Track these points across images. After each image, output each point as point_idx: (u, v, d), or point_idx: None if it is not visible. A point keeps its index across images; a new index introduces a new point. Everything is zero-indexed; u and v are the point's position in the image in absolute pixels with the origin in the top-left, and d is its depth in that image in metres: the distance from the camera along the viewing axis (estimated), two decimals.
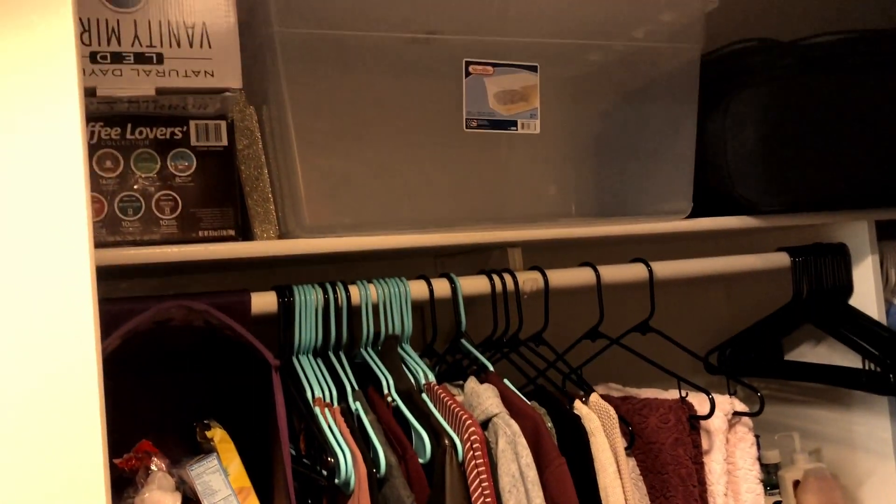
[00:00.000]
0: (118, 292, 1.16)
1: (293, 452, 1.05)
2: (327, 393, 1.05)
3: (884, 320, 1.38)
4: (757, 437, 1.23)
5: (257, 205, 1.08)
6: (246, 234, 1.09)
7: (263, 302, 1.06)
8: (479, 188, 1.17)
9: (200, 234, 1.02)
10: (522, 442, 1.02)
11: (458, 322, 1.18)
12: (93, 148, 0.96)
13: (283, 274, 1.28)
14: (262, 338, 1.02)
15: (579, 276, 1.25)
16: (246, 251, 1.04)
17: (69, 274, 0.67)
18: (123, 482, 1.08)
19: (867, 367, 1.33)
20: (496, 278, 1.19)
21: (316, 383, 1.06)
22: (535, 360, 1.24)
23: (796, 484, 1.39)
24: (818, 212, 1.36)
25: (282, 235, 1.10)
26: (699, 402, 1.18)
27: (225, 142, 1.03)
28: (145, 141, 0.99)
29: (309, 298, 1.08)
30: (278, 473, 1.04)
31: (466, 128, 1.12)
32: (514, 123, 1.15)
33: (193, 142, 1.01)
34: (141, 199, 0.98)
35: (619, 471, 1.07)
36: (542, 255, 1.27)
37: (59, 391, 0.67)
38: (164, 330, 1.07)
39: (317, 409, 1.02)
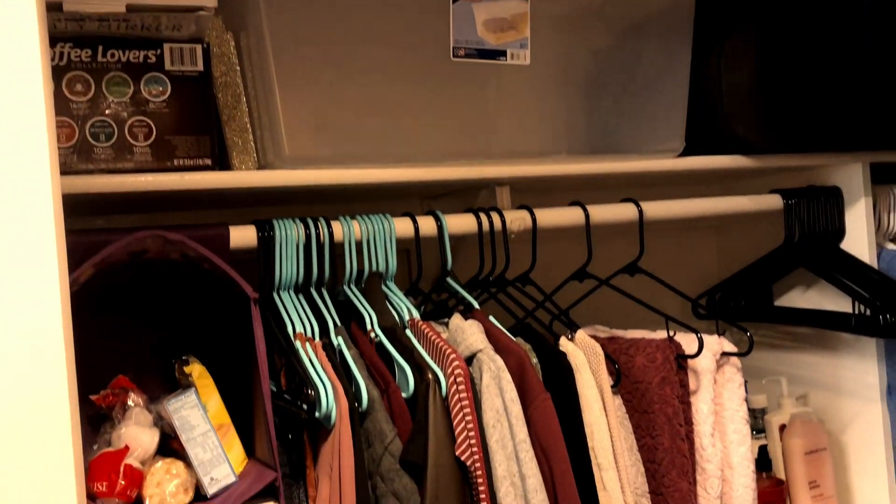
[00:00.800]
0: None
1: (274, 388, 1.03)
2: (309, 328, 1.03)
3: (875, 264, 1.36)
4: (745, 382, 1.22)
5: (235, 135, 1.04)
6: (224, 165, 1.05)
7: (242, 236, 1.03)
8: (466, 122, 1.13)
9: (176, 162, 0.98)
10: (507, 377, 1.00)
11: (444, 261, 1.16)
12: (62, 70, 0.92)
13: (265, 213, 1.24)
14: (243, 278, 1.00)
15: (568, 215, 1.22)
16: (223, 181, 1.01)
17: (30, 201, 0.62)
18: (100, 418, 1.06)
19: (857, 311, 1.32)
20: (483, 216, 1.17)
21: (297, 318, 1.03)
22: (523, 300, 1.22)
23: (782, 428, 1.39)
24: (812, 153, 1.34)
25: (261, 167, 1.07)
26: (687, 343, 1.16)
27: (200, 67, 0.98)
28: (117, 64, 0.95)
29: (290, 233, 1.05)
30: (258, 409, 1.02)
31: (454, 57, 1.08)
32: (504, 53, 1.11)
33: (168, 66, 0.97)
34: (113, 125, 0.95)
35: (604, 408, 1.05)
36: (530, 197, 1.24)
37: (21, 326, 0.62)
38: (141, 263, 1.05)
39: (297, 344, 0.99)
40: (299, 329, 1.02)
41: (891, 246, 1.39)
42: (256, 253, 1.04)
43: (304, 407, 0.94)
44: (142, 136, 0.96)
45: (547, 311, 1.22)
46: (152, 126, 0.97)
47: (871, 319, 1.28)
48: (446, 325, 1.11)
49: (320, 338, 1.03)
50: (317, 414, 0.93)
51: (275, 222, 1.04)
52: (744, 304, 1.47)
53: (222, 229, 1.02)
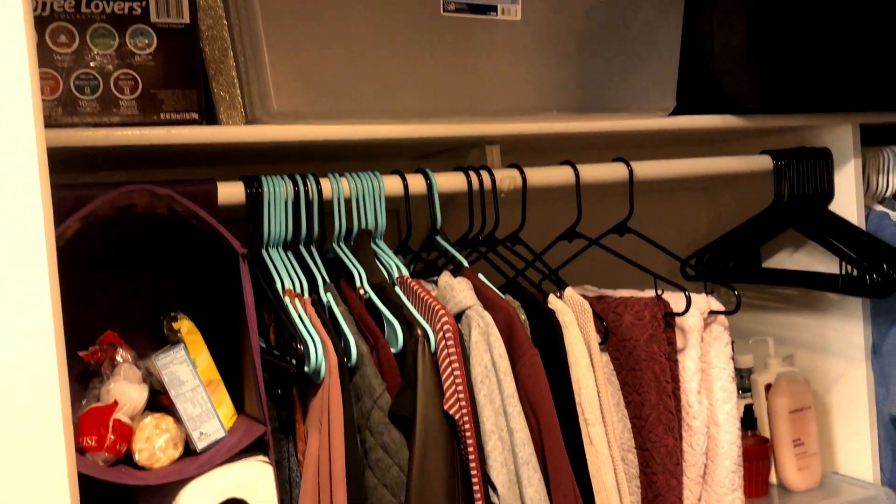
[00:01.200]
0: None
1: (263, 345, 1.03)
2: (297, 284, 1.03)
3: (863, 226, 1.37)
4: (732, 342, 1.23)
5: (222, 89, 1.03)
6: (211, 120, 1.04)
7: (230, 192, 1.02)
8: (456, 78, 1.12)
9: (162, 116, 0.97)
10: (496, 333, 1.01)
11: (434, 219, 1.16)
12: (45, 20, 0.91)
13: (253, 172, 1.24)
14: (232, 235, 0.99)
15: (558, 174, 1.22)
16: (210, 136, 1.00)
17: (14, 154, 0.61)
18: (89, 375, 1.06)
19: (844, 271, 1.33)
20: (473, 175, 1.16)
21: (286, 275, 1.03)
22: (513, 259, 1.22)
23: (768, 387, 1.40)
24: (803, 113, 1.33)
25: (248, 122, 1.06)
26: (675, 301, 1.17)
27: (187, 19, 0.97)
28: (102, 15, 0.93)
29: (278, 190, 1.04)
30: (247, 366, 1.02)
31: (444, 11, 1.07)
32: (494, 8, 1.10)
33: (153, 18, 0.95)
34: (98, 78, 0.93)
35: (592, 364, 1.06)
36: (520, 157, 1.24)
37: (6, 281, 0.62)
38: (129, 219, 1.04)
39: (286, 300, 0.99)
40: (288, 285, 1.02)
41: (879, 207, 1.39)
42: (245, 209, 1.04)
43: (293, 362, 0.94)
44: (128, 90, 0.95)
45: (537, 271, 1.22)
46: (138, 79, 0.95)
47: (858, 279, 1.29)
48: (436, 283, 1.11)
49: (309, 294, 1.03)
50: (306, 368, 0.94)
51: (263, 178, 1.04)
52: (732, 266, 1.47)
53: (210, 185, 1.02)
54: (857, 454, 1.41)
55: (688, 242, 1.51)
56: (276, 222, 1.05)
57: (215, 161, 1.22)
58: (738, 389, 1.36)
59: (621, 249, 1.26)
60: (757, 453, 1.34)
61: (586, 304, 1.10)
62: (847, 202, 1.38)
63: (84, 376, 1.08)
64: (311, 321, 0.97)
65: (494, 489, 0.97)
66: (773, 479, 1.39)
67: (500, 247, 1.23)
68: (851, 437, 1.41)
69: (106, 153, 1.02)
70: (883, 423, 1.37)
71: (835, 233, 1.34)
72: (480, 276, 1.11)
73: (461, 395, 0.97)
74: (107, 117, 0.95)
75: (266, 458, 0.95)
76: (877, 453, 1.38)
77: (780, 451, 1.37)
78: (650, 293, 1.19)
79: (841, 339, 1.41)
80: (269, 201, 1.04)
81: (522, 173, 1.19)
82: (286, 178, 1.05)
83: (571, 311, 1.08)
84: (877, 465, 1.37)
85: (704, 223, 1.63)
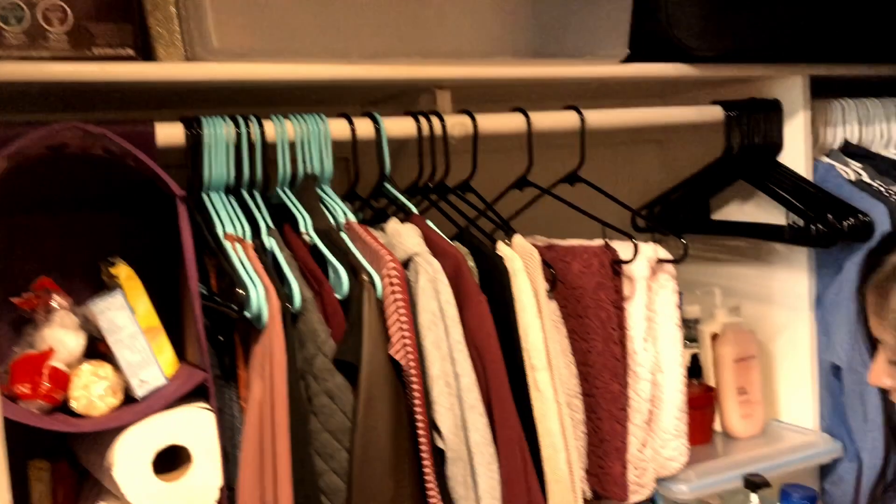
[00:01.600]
0: None
1: (205, 292, 1.00)
2: (239, 229, 1.00)
3: (811, 177, 1.38)
4: (680, 293, 1.24)
5: (160, 25, 0.99)
6: (148, 58, 1.00)
7: (169, 133, 0.99)
8: (407, 19, 1.09)
9: (95, 51, 0.93)
10: (443, 279, 1.00)
11: (382, 165, 1.13)
12: None
13: (194, 114, 1.20)
14: (175, 182, 0.96)
15: (510, 121, 1.21)
16: (148, 73, 0.96)
17: None
18: (24, 322, 1.03)
19: (791, 222, 1.34)
20: (423, 120, 1.14)
21: (227, 219, 1.00)
22: (464, 208, 1.21)
23: (715, 337, 1.42)
24: (754, 63, 1.33)
25: (188, 60, 1.02)
26: (623, 249, 1.17)
27: None
28: None
29: (219, 131, 1.01)
30: (188, 312, 1.00)
31: None
32: None
33: None
34: (24, 8, 0.88)
35: (539, 311, 1.06)
36: (472, 107, 1.21)
37: None
38: (63, 160, 1.00)
39: (227, 244, 0.97)
40: (229, 229, 0.99)
41: (826, 160, 1.40)
42: (185, 152, 1.00)
43: (234, 307, 0.92)
44: (57, 22, 0.90)
45: (489, 220, 1.21)
46: (68, 11, 0.91)
47: (804, 230, 1.30)
48: (384, 230, 1.10)
49: (252, 240, 1.00)
50: (247, 313, 0.92)
51: (203, 120, 1.00)
52: (682, 217, 1.48)
53: (147, 126, 0.98)
54: (798, 402, 1.44)
55: (640, 195, 1.51)
56: (218, 165, 1.02)
57: (153, 104, 1.18)
58: (686, 339, 1.38)
59: (573, 201, 1.25)
60: (702, 401, 1.36)
61: (535, 252, 1.09)
62: (795, 154, 1.39)
63: (18, 323, 1.04)
64: (252, 266, 0.94)
65: (440, 434, 0.96)
66: (717, 426, 1.42)
67: (451, 195, 1.21)
68: (793, 386, 1.44)
69: (34, 90, 0.97)
70: (823, 371, 1.40)
71: (782, 184, 1.35)
72: (429, 222, 1.09)
73: (408, 341, 0.96)
74: (35, 51, 0.90)
75: (207, 405, 0.93)
76: (817, 401, 1.41)
77: (725, 399, 1.40)
78: (599, 242, 1.19)
79: (786, 290, 1.43)
80: (209, 143, 1.01)
81: (473, 119, 1.17)
82: (228, 119, 1.02)
83: (520, 259, 1.08)
84: (817, 413, 1.41)
85: (656, 176, 1.63)
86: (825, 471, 1.41)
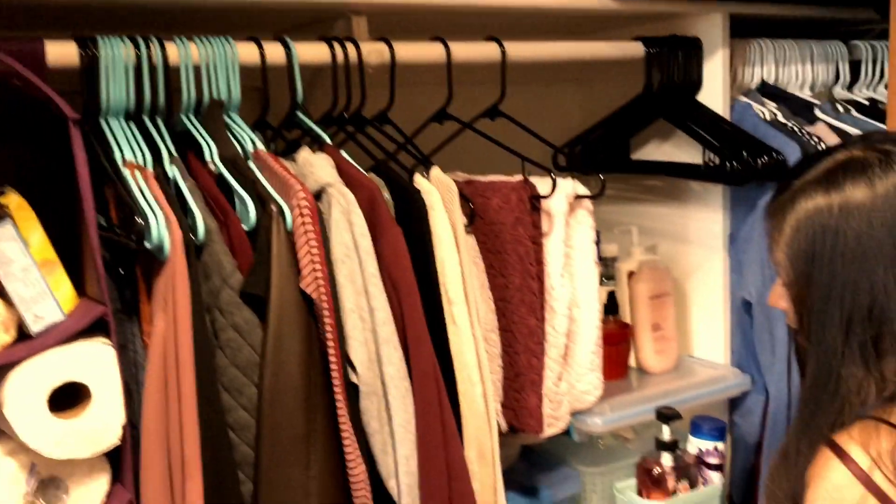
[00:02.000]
0: None
1: (104, 223, 0.95)
2: (140, 156, 0.95)
3: (728, 116, 1.39)
4: (598, 232, 1.24)
5: None
6: None
7: (61, 52, 0.92)
8: None
9: None
10: (357, 211, 0.97)
11: (294, 93, 1.09)
12: None
13: None
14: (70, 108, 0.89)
15: (429, 50, 1.17)
16: None
17: None
18: None
19: (707, 160, 1.35)
20: (337, 46, 1.09)
21: (127, 146, 0.95)
22: (383, 141, 1.17)
23: (631, 275, 1.44)
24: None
25: None
26: (542, 185, 1.16)
27: None
28: None
29: (117, 52, 0.95)
30: (86, 244, 0.94)
31: None
32: None
33: None
34: None
35: (456, 245, 1.04)
36: (389, 35, 1.17)
37: None
38: None
39: (126, 171, 0.91)
40: (129, 157, 0.94)
41: (744, 99, 1.42)
42: (79, 74, 0.94)
43: (133, 238, 0.87)
44: None
45: (408, 153, 1.18)
46: None
47: (719, 167, 1.32)
48: (295, 160, 1.05)
49: (154, 168, 0.95)
50: (146, 244, 0.87)
51: (99, 39, 0.94)
52: (602, 157, 1.48)
53: (37, 43, 0.91)
54: (710, 338, 1.47)
55: (561, 133, 1.50)
56: (116, 88, 0.95)
57: (43, 24, 1.09)
58: (603, 277, 1.39)
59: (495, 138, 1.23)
60: (617, 337, 1.38)
61: (453, 185, 1.07)
62: (714, 92, 1.39)
63: None
64: (153, 195, 0.89)
65: (353, 368, 0.95)
66: (632, 362, 1.45)
67: (368, 127, 1.17)
68: (706, 322, 1.47)
69: None
70: (735, 308, 1.43)
71: (700, 122, 1.36)
72: (343, 153, 1.06)
73: (319, 275, 0.93)
74: None
75: (108, 341, 0.89)
76: (728, 337, 1.45)
77: (640, 335, 1.42)
78: (518, 177, 1.18)
79: (701, 228, 1.45)
80: (106, 65, 0.94)
81: (391, 47, 1.13)
82: (126, 39, 0.95)
83: (437, 192, 1.06)
84: (728, 348, 1.45)
85: (577, 115, 1.62)
86: (734, 403, 1.45)
